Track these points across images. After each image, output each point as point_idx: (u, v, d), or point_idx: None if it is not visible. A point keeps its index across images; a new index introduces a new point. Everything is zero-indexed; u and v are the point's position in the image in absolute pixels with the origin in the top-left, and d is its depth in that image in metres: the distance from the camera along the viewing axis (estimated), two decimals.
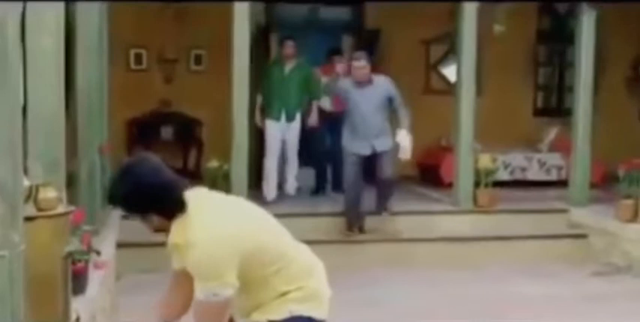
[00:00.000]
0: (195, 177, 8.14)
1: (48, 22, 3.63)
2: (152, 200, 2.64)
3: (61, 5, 3.77)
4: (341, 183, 8.18)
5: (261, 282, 2.74)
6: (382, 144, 7.21)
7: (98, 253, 3.48)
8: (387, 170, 7.25)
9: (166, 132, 9.50)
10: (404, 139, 6.97)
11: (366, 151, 7.22)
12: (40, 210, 3.06)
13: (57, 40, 3.69)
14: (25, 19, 3.50)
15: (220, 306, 2.66)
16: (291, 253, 2.84)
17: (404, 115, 7.16)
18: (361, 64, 7.10)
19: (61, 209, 3.15)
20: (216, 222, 2.66)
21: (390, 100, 7.19)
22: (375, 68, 8.28)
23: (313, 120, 8.31)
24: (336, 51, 8.70)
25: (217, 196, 2.85)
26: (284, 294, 2.78)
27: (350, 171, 7.31)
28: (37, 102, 3.67)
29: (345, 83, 7.36)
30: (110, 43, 7.51)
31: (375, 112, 7.14)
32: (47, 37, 3.62)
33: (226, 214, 2.73)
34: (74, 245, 3.22)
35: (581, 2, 8.10)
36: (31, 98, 3.68)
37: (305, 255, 2.92)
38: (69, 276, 3.14)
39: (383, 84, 7.24)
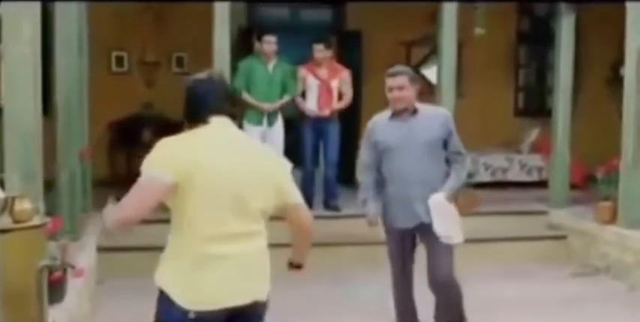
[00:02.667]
0: None
1: (23, 31, 3.63)
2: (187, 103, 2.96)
3: (37, 13, 3.76)
4: (334, 199, 7.97)
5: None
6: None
7: (72, 267, 3.46)
8: (442, 262, 4.81)
9: (148, 135, 9.45)
10: (439, 209, 4.70)
11: (410, 223, 4.82)
12: (15, 221, 3.07)
13: (33, 48, 3.70)
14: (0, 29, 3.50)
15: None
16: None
17: (457, 171, 4.80)
18: (397, 81, 4.66)
19: (36, 220, 3.15)
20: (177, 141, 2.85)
21: (444, 143, 4.78)
22: (356, 70, 8.24)
23: (312, 107, 7.76)
24: (316, 40, 7.90)
25: (224, 137, 2.91)
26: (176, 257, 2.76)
27: (395, 250, 5.05)
28: (13, 113, 3.66)
29: (380, 117, 4.89)
30: (91, 46, 7.50)
31: (419, 160, 4.70)
32: (22, 46, 3.62)
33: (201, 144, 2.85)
34: (51, 256, 3.22)
35: (560, 3, 8.14)
36: (7, 109, 3.68)
37: (222, 246, 2.77)
38: (44, 288, 3.14)
39: (434, 116, 4.78)
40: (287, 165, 3.04)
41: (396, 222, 4.86)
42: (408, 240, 4.94)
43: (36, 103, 3.82)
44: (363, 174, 4.95)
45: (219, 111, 2.91)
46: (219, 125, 2.90)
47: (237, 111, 3.05)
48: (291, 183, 2.99)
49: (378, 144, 4.78)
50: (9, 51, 3.58)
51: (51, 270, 3.30)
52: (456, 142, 4.80)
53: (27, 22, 3.61)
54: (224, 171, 2.75)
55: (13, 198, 3.09)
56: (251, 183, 2.81)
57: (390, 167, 4.78)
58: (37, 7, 3.75)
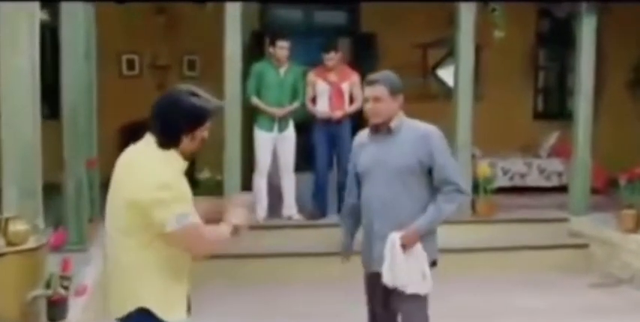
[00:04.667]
0: (190, 183, 8.00)
1: (21, 40, 3.47)
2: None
3: (36, 23, 3.61)
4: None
5: None
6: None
7: (64, 297, 3.32)
8: None
9: None
10: (392, 251, 3.80)
11: (370, 266, 4.01)
12: (9, 244, 2.91)
13: (31, 59, 3.53)
14: None
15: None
16: None
17: (438, 203, 3.85)
18: (373, 91, 3.88)
19: (32, 242, 2.99)
20: None
21: (426, 169, 3.86)
22: (371, 73, 8.01)
23: (323, 110, 7.58)
24: (326, 48, 7.67)
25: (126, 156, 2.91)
26: None
27: (366, 293, 4.14)
28: (10, 126, 3.51)
29: (362, 134, 4.18)
30: (101, 49, 7.38)
31: (387, 189, 3.88)
32: (20, 57, 3.46)
33: None
34: (47, 280, 3.07)
35: (581, 4, 7.93)
36: (4, 121, 3.52)
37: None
38: (40, 317, 2.99)
39: (413, 136, 3.89)
40: (151, 190, 2.68)
41: (365, 259, 4.05)
42: (378, 288, 3.95)
43: (35, 115, 3.67)
44: (345, 200, 4.33)
45: (149, 128, 2.84)
46: (139, 143, 2.87)
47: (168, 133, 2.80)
48: (157, 210, 2.66)
49: (355, 165, 4.10)
50: (6, 62, 3.43)
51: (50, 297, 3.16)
52: (443, 167, 3.83)
53: (25, 33, 3.46)
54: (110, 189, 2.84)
55: (7, 219, 2.93)
56: (112, 203, 2.81)
57: (362, 194, 4.04)
58: (36, 16, 3.59)
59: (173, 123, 2.76)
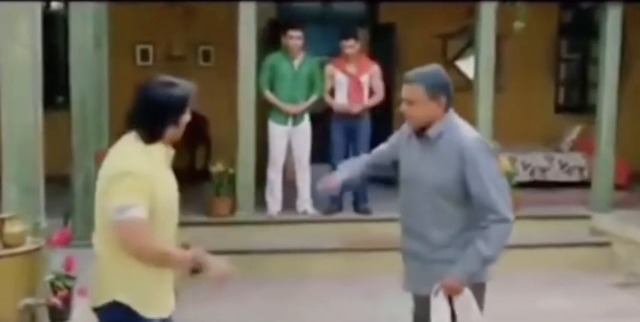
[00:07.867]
0: (204, 176, 7.91)
1: (21, 30, 3.31)
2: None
3: (37, 13, 3.44)
4: (365, 202, 7.55)
5: None
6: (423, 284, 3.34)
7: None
8: None
9: None
10: (436, 305, 3.26)
11: (407, 287, 3.60)
12: (5, 246, 2.77)
13: (32, 50, 3.37)
14: None
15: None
16: None
17: (478, 241, 3.18)
18: (408, 91, 3.27)
19: (29, 245, 2.84)
20: None
21: (462, 187, 3.20)
22: (390, 64, 7.84)
23: (341, 103, 7.29)
24: (345, 35, 7.37)
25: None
26: None
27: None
28: (10, 121, 3.36)
29: (406, 128, 3.49)
30: (113, 39, 7.24)
31: (425, 204, 3.29)
32: (20, 47, 3.30)
33: None
34: (49, 279, 2.93)
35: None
36: (3, 116, 3.37)
37: None
38: (41, 318, 2.85)
39: (452, 148, 3.22)
40: (117, 183, 2.67)
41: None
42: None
43: (36, 108, 3.51)
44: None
45: (131, 126, 2.81)
46: (119, 143, 2.84)
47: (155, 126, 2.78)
48: (109, 199, 2.67)
49: (399, 164, 3.49)
50: (5, 53, 3.27)
51: (56, 288, 3.02)
52: (481, 189, 3.14)
53: (25, 22, 3.29)
54: None
55: (3, 220, 2.78)
56: (96, 200, 2.79)
57: (401, 193, 3.45)
58: (36, 5, 3.42)
59: (159, 119, 2.76)
